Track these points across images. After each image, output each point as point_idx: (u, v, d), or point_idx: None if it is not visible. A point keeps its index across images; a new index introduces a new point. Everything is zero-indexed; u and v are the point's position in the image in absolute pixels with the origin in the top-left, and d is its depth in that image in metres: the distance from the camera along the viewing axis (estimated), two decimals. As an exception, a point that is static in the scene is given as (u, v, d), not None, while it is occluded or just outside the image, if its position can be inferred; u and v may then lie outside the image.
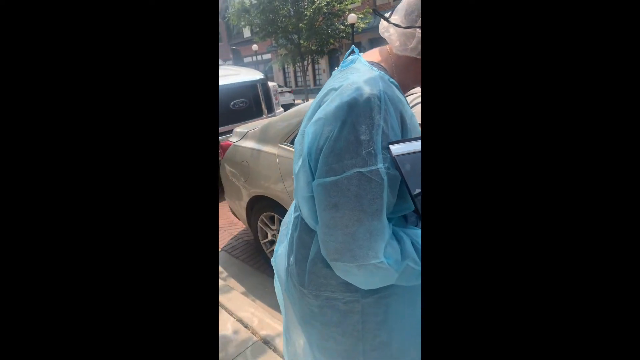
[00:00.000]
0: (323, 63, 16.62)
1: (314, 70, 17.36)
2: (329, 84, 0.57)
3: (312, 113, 0.57)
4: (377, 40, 13.32)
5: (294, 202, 0.69)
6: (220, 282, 1.95)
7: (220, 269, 2.21)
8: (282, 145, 1.84)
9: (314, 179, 0.53)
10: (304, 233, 0.61)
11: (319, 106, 0.55)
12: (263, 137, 1.99)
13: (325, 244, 0.52)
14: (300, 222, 0.62)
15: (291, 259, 0.64)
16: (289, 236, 0.66)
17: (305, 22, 11.33)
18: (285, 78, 19.45)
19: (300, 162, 0.55)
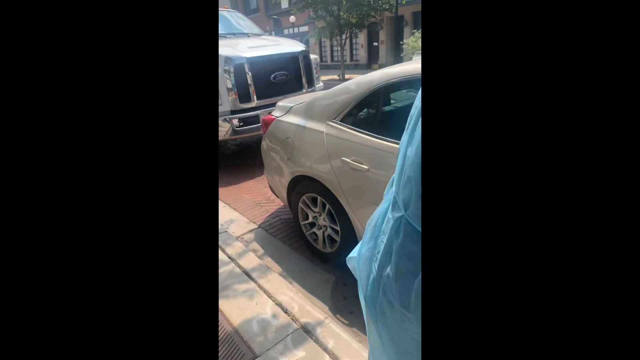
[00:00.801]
0: (362, 37, 15.89)
1: (351, 45, 16.67)
2: None
3: None
4: (421, 14, 12.47)
5: (388, 196, 0.56)
6: (258, 261, 1.90)
7: (257, 246, 2.16)
8: (330, 123, 1.70)
9: None
10: (411, 241, 0.48)
11: None
12: (310, 113, 1.86)
13: None
14: (404, 225, 0.49)
15: (387, 270, 0.51)
16: (384, 241, 0.54)
17: (346, -8, 10.78)
18: (321, 52, 18.90)
19: None
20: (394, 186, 0.53)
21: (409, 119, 0.50)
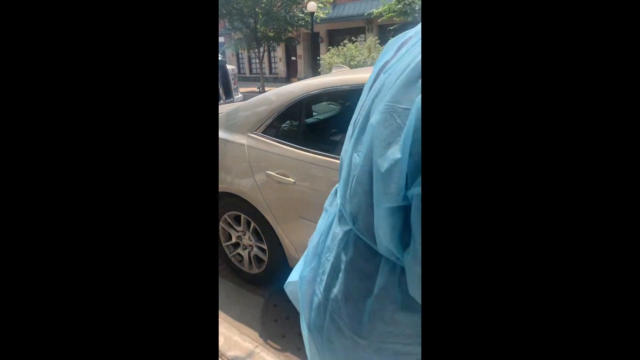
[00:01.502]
0: (280, 51, 16.08)
1: (269, 58, 16.73)
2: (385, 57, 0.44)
3: (409, 79, 0.38)
4: (336, 32, 13.19)
5: (332, 210, 0.50)
6: (175, 292, 1.67)
7: (173, 274, 1.92)
8: (252, 135, 1.60)
9: (411, 182, 0.36)
10: (362, 258, 0.42)
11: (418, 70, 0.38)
12: (228, 124, 1.73)
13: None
14: (354, 240, 0.43)
15: (334, 291, 0.44)
16: (329, 260, 0.46)
17: (262, 5, 10.79)
18: (239, 64, 18.55)
19: (398, 155, 0.36)
20: (338, 198, 0.47)
21: (351, 126, 0.46)
